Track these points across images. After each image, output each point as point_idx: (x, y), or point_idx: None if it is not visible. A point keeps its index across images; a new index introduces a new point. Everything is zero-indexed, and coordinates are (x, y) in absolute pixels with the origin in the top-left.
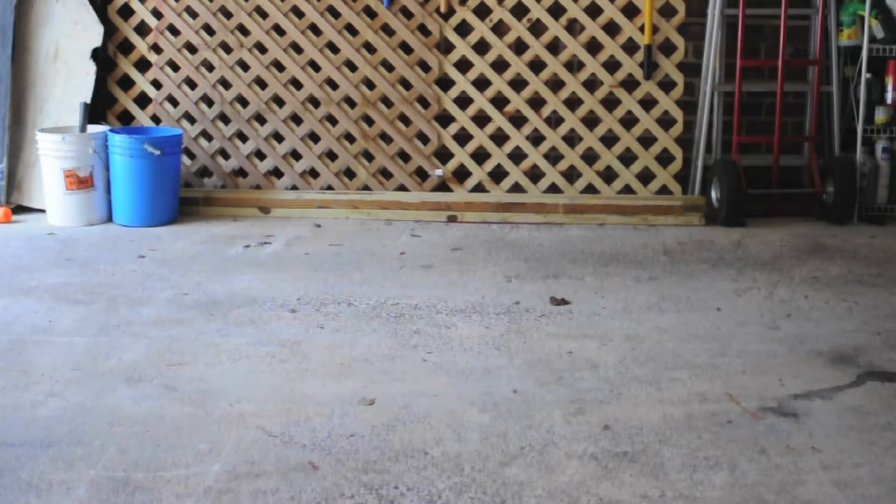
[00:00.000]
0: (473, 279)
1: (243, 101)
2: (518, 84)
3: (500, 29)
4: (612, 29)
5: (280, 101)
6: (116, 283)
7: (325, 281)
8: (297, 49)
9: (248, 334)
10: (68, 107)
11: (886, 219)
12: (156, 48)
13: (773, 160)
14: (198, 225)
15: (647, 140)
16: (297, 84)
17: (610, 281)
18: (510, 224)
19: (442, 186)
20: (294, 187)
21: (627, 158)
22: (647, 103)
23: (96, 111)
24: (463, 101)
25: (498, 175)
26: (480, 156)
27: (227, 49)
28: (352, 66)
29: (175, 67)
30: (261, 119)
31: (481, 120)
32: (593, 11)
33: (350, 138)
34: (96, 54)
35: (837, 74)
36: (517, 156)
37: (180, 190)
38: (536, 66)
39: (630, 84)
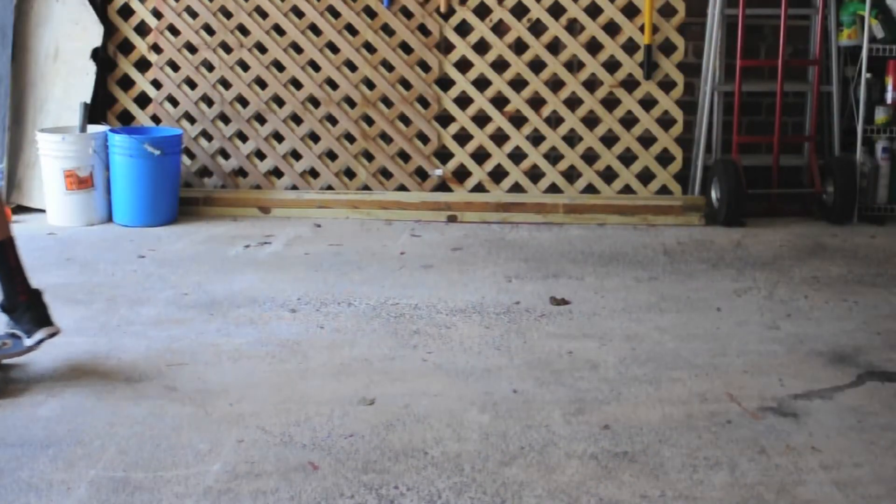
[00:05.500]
0: (473, 279)
1: (243, 101)
2: (518, 84)
3: (500, 29)
4: (612, 29)
5: (280, 101)
6: (116, 283)
7: (325, 281)
8: (297, 49)
9: (248, 334)
10: (68, 107)
11: (886, 219)
12: (156, 48)
13: (773, 160)
14: (198, 225)
15: (647, 140)
16: (297, 84)
17: (610, 281)
18: (510, 224)
19: (442, 186)
20: (294, 187)
21: (627, 158)
22: (647, 103)
23: (96, 111)
24: (463, 101)
25: (498, 175)
26: (480, 156)
27: (227, 49)
28: (352, 66)
29: (175, 67)
30: (261, 119)
31: (481, 120)
32: (593, 11)
33: (350, 138)
34: (96, 54)
35: (837, 74)
36: (517, 156)
37: (180, 190)
38: (536, 66)
39: (630, 84)
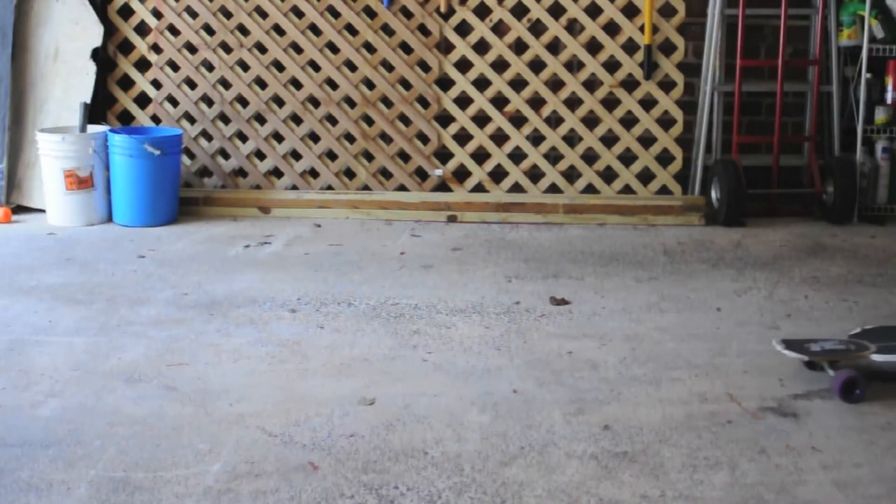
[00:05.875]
0: (473, 279)
1: (243, 101)
2: (518, 84)
3: (500, 29)
4: (612, 29)
5: (280, 101)
6: (116, 283)
7: (325, 281)
8: (297, 49)
9: (248, 334)
10: (68, 107)
11: (886, 219)
12: (156, 48)
13: (773, 160)
14: (198, 225)
15: (647, 140)
16: (297, 84)
17: (610, 281)
18: (510, 224)
19: (442, 186)
20: (294, 187)
21: (627, 158)
22: (647, 103)
23: (96, 111)
24: (463, 101)
25: (498, 175)
26: (480, 156)
27: (227, 49)
28: (352, 66)
29: (175, 67)
30: (261, 119)
31: (481, 120)
32: (593, 11)
33: (350, 138)
34: (96, 54)
35: (837, 74)
36: (517, 156)
37: (180, 190)
38: (536, 66)
39: (630, 84)
